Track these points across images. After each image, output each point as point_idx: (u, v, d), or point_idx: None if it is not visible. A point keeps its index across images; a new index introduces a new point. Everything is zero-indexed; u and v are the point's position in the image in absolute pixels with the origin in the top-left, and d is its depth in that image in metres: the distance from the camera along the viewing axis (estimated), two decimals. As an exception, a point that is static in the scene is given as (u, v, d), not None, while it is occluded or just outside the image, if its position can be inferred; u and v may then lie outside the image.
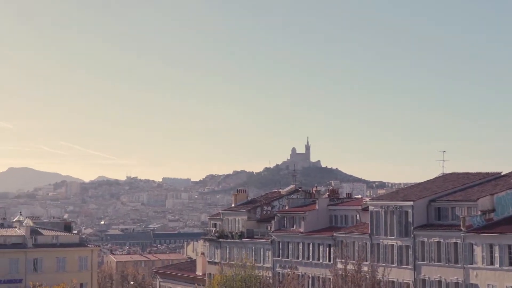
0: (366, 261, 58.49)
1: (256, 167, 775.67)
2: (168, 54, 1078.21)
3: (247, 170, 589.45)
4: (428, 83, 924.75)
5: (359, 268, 55.56)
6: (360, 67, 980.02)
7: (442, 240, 55.86)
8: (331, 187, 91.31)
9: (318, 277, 67.25)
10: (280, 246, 73.10)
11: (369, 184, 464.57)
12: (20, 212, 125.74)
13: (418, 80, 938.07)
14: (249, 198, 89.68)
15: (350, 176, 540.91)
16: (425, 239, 57.22)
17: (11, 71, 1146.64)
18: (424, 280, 57.48)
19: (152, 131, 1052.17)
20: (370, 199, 69.88)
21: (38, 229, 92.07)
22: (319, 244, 68.44)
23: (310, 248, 69.34)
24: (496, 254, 51.68)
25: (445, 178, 65.75)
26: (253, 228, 78.94)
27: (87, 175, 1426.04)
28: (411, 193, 62.90)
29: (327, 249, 67.13)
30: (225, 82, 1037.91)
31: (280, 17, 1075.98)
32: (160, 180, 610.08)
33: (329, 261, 66.18)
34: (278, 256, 73.09)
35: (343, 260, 58.88)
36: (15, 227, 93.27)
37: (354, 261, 57.44)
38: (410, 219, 58.52)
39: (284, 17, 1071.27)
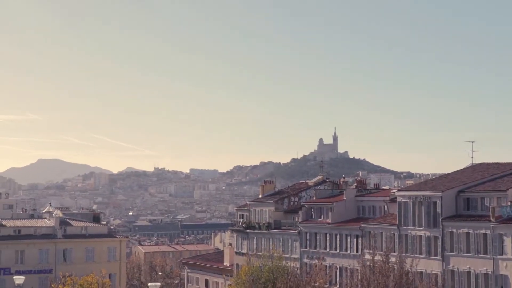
0: (394, 252, 58.16)
1: (284, 158, 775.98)
2: (196, 44, 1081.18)
3: (274, 161, 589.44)
4: (457, 72, 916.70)
5: (387, 259, 55.24)
6: (388, 58, 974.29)
7: (471, 231, 55.36)
8: (359, 178, 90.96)
9: (346, 268, 67.07)
10: (308, 237, 72.98)
11: (397, 175, 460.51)
12: (50, 203, 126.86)
13: (447, 70, 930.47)
14: (277, 189, 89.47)
15: (378, 166, 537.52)
16: (454, 230, 56.76)
17: (39, 63, 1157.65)
18: (452, 271, 57.06)
19: (180, 122, 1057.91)
20: (398, 190, 69.43)
21: (68, 220, 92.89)
22: (346, 235, 68.23)
23: (338, 239, 69.15)
24: (526, 245, 51.14)
25: (474, 168, 65.12)
26: (280, 219, 78.87)
27: (116, 167, 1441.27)
28: (440, 183, 62.39)
29: (355, 240, 66.89)
30: (253, 73, 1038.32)
31: (307, 8, 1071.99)
32: (188, 171, 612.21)
33: (357, 252, 65.96)
34: (306, 247, 72.99)
35: (370, 251, 58.63)
36: (45, 218, 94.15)
37: (381, 252, 57.13)
38: (438, 210, 58.10)
39: (310, 8, 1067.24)
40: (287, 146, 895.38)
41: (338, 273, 68.12)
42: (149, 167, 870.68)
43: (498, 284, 53.30)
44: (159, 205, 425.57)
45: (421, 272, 58.64)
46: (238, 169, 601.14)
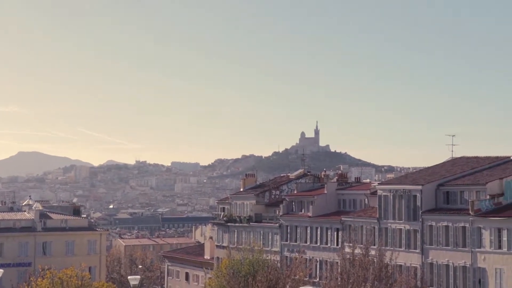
0: (374, 245, 58.39)
1: (265, 152, 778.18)
2: (174, 36, 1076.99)
3: (256, 155, 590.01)
4: (438, 67, 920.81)
5: (366, 252, 55.40)
6: (370, 51, 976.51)
7: (450, 224, 55.75)
8: (340, 171, 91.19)
9: (326, 261, 67.29)
10: (288, 230, 73.13)
11: (378, 169, 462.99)
12: (30, 196, 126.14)
13: (427, 64, 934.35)
14: (258, 182, 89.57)
15: (359, 160, 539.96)
16: (433, 223, 57.13)
17: (20, 56, 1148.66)
18: (431, 264, 57.46)
19: (161, 116, 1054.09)
20: (378, 183, 69.74)
21: (47, 213, 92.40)
22: (327, 228, 68.45)
23: (318, 232, 69.36)
24: (505, 238, 51.55)
25: (454, 162, 65.51)
26: (261, 212, 78.97)
27: (96, 159, 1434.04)
28: (420, 177, 62.71)
29: (335, 233, 67.12)
30: (234, 66, 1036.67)
31: (287, 1, 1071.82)
32: (169, 164, 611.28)
33: (337, 245, 66.19)
34: (286, 240, 73.13)
35: (351, 244, 58.77)
36: (25, 211, 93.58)
37: (362, 245, 57.32)
38: (418, 203, 58.42)
39: (291, 0, 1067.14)
40: (269, 139, 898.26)
41: (318, 266, 68.39)
42: (130, 160, 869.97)
43: (476, 276, 53.74)
44: (140, 198, 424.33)
45: (401, 265, 58.95)
46: (220, 162, 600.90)
